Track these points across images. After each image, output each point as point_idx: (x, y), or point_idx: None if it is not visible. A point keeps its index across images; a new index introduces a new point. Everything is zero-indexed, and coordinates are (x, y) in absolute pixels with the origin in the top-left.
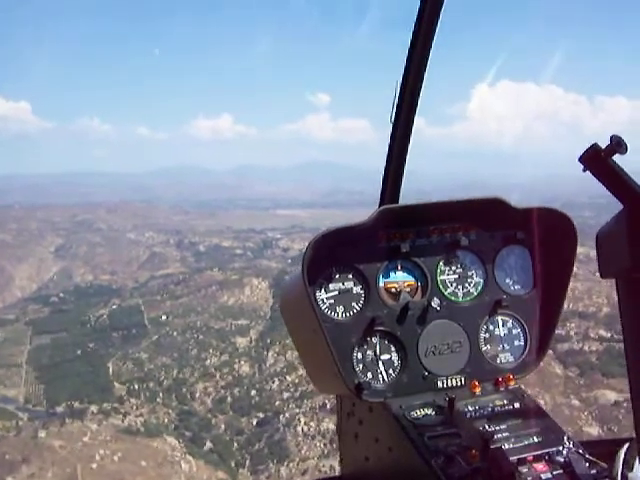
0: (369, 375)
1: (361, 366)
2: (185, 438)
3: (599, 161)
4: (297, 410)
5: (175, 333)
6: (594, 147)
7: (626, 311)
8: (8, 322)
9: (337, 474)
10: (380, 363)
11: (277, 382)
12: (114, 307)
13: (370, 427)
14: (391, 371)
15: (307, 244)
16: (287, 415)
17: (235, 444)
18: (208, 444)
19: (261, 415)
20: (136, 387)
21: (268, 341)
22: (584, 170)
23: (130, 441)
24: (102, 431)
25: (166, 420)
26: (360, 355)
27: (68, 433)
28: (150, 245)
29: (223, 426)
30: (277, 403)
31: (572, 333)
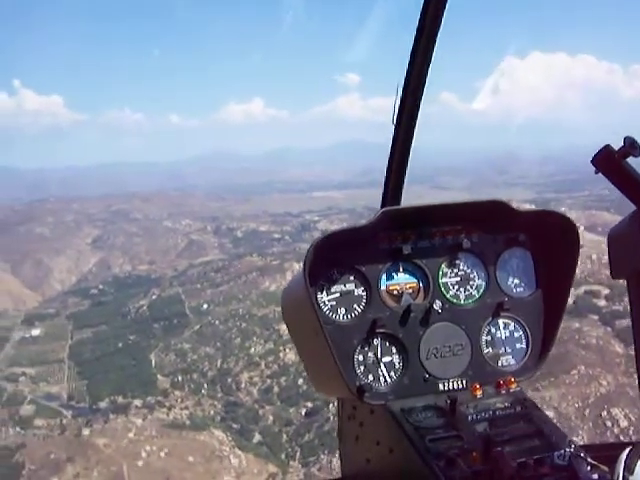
0: (370, 377)
1: (362, 368)
2: (232, 431)
3: (612, 163)
4: None
5: (217, 322)
6: (607, 149)
7: (637, 311)
8: (48, 317)
9: (338, 476)
10: (381, 365)
11: None
12: (154, 297)
13: (371, 429)
14: (392, 373)
15: (309, 246)
16: (336, 404)
17: (284, 435)
18: (257, 436)
19: (309, 405)
20: (180, 379)
21: None
22: (596, 172)
23: (176, 436)
24: (147, 426)
25: (212, 412)
26: (361, 357)
27: (112, 430)
28: (187, 233)
29: (271, 417)
30: None
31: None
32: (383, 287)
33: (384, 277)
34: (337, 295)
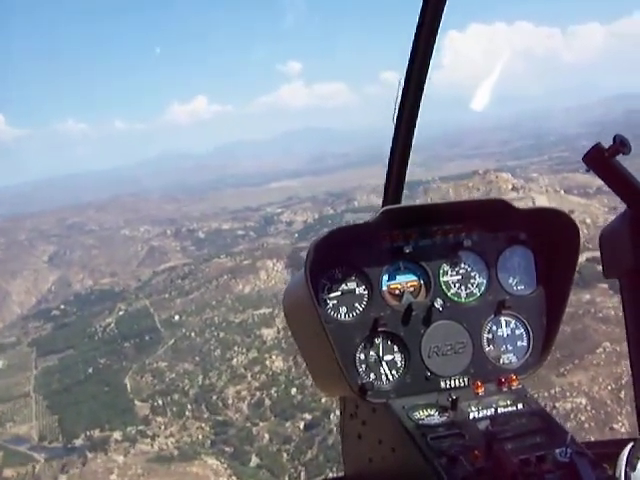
0: (372, 376)
1: (364, 367)
2: (226, 455)
3: (602, 161)
4: None
5: (192, 334)
6: (597, 147)
7: (630, 310)
8: (9, 346)
9: (340, 475)
10: (383, 364)
11: None
12: (120, 313)
13: (373, 428)
14: (394, 372)
15: (309, 245)
16: (337, 413)
17: (284, 455)
18: (254, 459)
19: (308, 416)
20: (160, 402)
21: None
22: (587, 170)
23: (165, 471)
24: (131, 463)
25: (200, 437)
26: (363, 356)
27: (92, 473)
28: (147, 239)
29: (267, 435)
30: (324, 400)
31: None
32: (384, 286)
33: (385, 276)
34: (339, 294)
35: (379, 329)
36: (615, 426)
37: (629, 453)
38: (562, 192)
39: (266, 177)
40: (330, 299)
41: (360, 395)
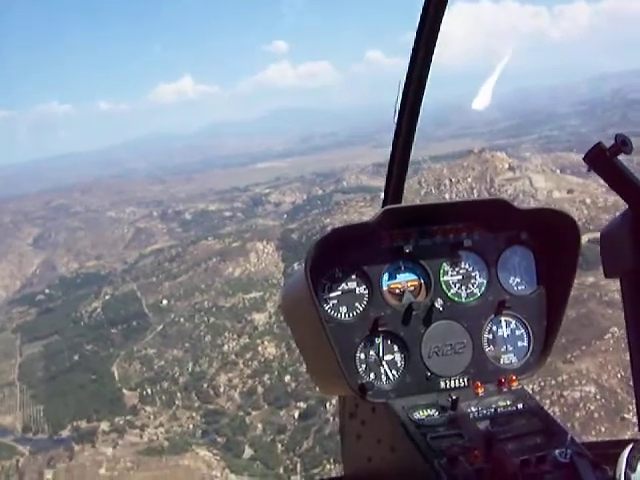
0: (372, 376)
1: (364, 366)
2: (219, 446)
3: (604, 161)
4: None
5: (181, 319)
6: (599, 146)
7: (630, 310)
8: None
9: (340, 474)
10: (383, 364)
11: None
12: (107, 297)
13: (373, 428)
14: (394, 372)
15: (310, 244)
16: (334, 401)
17: (279, 445)
18: (247, 450)
19: (302, 405)
20: (149, 391)
21: None
22: (588, 170)
23: (155, 464)
24: (120, 456)
25: (191, 426)
26: (363, 356)
27: (80, 468)
28: (133, 221)
29: (260, 425)
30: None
31: None
32: (385, 286)
33: (386, 275)
34: (339, 293)
35: (379, 329)
36: (627, 416)
37: (629, 454)
38: (558, 171)
39: (253, 157)
40: (330, 298)
41: (360, 395)
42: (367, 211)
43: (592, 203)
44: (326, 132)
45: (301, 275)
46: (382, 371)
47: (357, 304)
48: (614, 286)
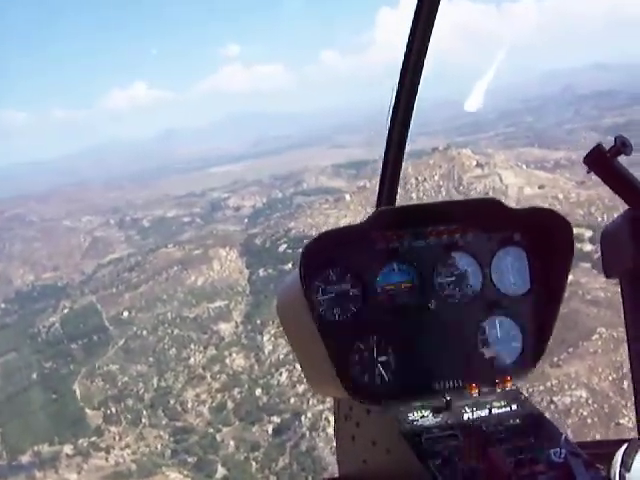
0: (366, 377)
1: (358, 368)
2: (189, 467)
3: (604, 162)
4: (321, 406)
5: (144, 332)
6: (598, 148)
7: (630, 310)
8: None
9: (335, 476)
10: (377, 365)
11: (285, 373)
12: (65, 311)
13: (367, 429)
14: (389, 373)
15: (303, 246)
16: (309, 415)
17: (253, 463)
18: (220, 470)
19: (276, 419)
20: (113, 410)
21: (258, 322)
22: (588, 171)
23: None
24: None
25: (159, 446)
26: (357, 357)
27: None
28: (90, 230)
29: (232, 442)
30: (293, 400)
31: None
32: (378, 287)
33: (379, 277)
34: (332, 295)
35: (373, 330)
36: (621, 421)
37: (624, 453)
38: (524, 167)
39: (208, 162)
40: (324, 300)
41: (354, 396)
42: (332, 213)
43: (564, 198)
44: (281, 135)
45: (295, 277)
46: (376, 372)
47: (351, 306)
48: (596, 283)
